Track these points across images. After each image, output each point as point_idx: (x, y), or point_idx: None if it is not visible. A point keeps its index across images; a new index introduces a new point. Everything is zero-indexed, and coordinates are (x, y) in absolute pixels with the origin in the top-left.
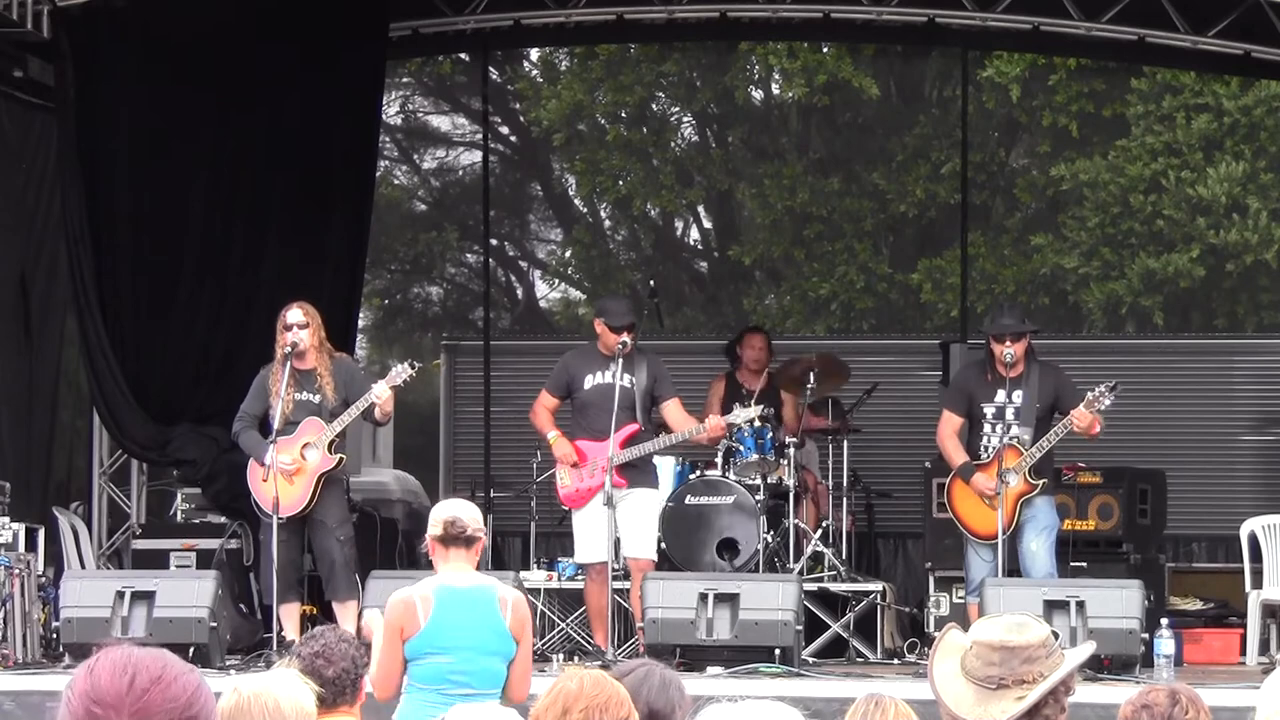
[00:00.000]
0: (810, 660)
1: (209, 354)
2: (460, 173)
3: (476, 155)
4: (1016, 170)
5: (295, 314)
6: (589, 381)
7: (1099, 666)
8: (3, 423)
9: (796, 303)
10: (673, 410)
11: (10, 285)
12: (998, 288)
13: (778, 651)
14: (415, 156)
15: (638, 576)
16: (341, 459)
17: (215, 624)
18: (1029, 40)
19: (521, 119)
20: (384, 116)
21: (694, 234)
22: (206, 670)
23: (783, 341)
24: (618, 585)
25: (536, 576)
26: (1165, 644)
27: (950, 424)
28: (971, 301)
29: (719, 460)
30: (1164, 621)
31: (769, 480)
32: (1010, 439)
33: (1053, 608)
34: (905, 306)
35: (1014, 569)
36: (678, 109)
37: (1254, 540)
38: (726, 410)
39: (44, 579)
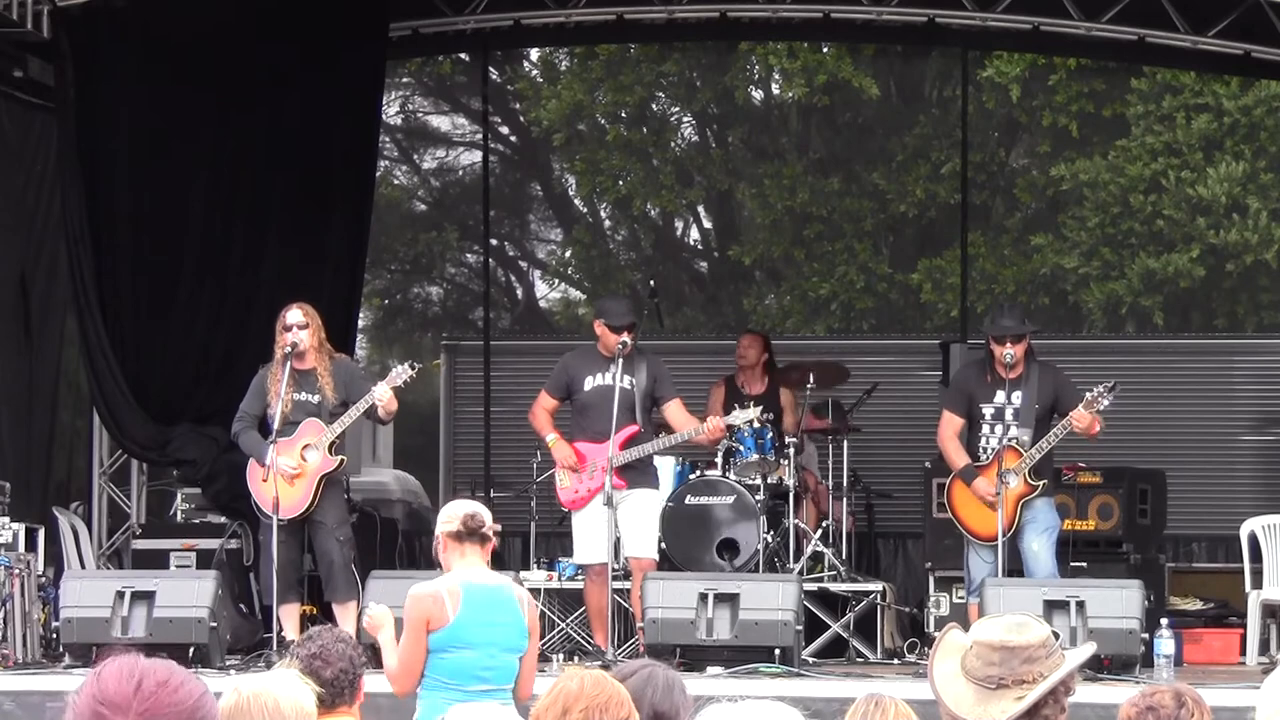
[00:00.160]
0: (810, 660)
1: (209, 354)
2: (460, 173)
3: (476, 155)
4: (1016, 170)
5: (295, 314)
6: (589, 383)
7: (1099, 666)
8: (3, 423)
9: (796, 303)
10: (674, 410)
11: (10, 285)
12: (998, 288)
13: (778, 651)
14: (415, 156)
15: (639, 576)
16: (342, 460)
17: (215, 624)
18: (1029, 40)
19: (521, 119)
20: (384, 116)
21: (694, 234)
22: (206, 670)
23: (783, 341)
24: (618, 585)
25: (536, 577)
26: (1165, 644)
27: (951, 425)
28: (971, 301)
29: (719, 460)
30: (1164, 621)
31: (769, 480)
32: (1010, 440)
33: (1053, 608)
34: (905, 306)
35: (1015, 569)
36: (678, 109)
37: (1254, 540)
38: (727, 413)
39: (44, 579)
